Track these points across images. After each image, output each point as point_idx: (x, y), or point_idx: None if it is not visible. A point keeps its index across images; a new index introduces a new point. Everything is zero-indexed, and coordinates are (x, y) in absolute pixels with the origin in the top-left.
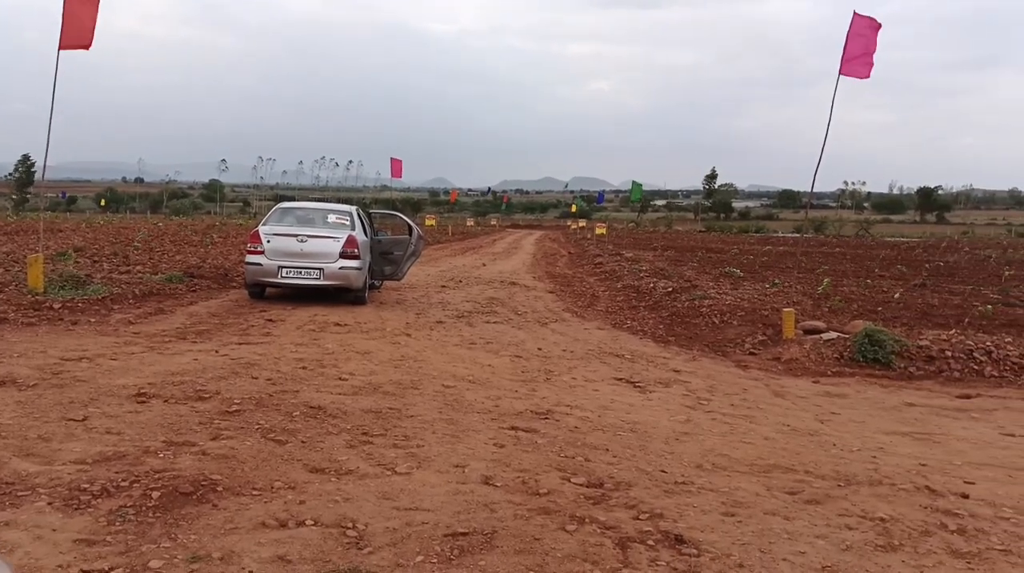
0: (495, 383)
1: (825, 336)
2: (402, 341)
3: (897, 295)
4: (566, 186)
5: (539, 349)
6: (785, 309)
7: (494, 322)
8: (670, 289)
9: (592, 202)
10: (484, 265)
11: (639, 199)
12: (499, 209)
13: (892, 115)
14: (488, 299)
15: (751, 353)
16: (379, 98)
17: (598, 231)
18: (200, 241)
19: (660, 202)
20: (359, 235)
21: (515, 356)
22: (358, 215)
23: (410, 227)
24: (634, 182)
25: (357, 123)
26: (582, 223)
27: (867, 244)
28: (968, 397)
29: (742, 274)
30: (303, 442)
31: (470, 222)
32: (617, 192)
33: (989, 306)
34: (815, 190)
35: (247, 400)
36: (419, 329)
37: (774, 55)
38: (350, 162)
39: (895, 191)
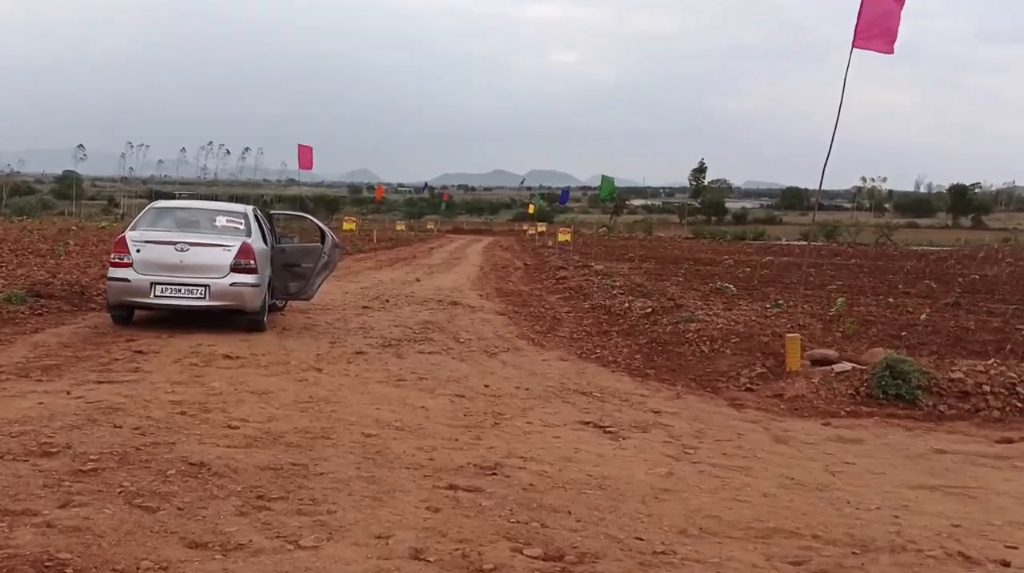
0: (430, 430)
1: (837, 367)
2: (311, 378)
3: (924, 317)
4: (522, 182)
5: (486, 386)
6: (789, 334)
7: (430, 352)
8: (649, 310)
9: (554, 202)
10: (418, 280)
11: (610, 198)
12: (438, 209)
13: (919, 96)
14: (422, 323)
15: (748, 389)
16: (284, 69)
17: (561, 238)
18: (50, 250)
19: (637, 202)
20: (256, 242)
21: (456, 395)
22: (255, 217)
23: (323, 232)
24: (604, 177)
25: (256, 100)
26: (542, 227)
27: (888, 254)
28: (1011, 441)
29: (737, 291)
30: (180, 509)
31: (401, 226)
32: (585, 189)
33: None
34: (826, 188)
35: (107, 455)
36: (333, 362)
37: (776, 20)
38: (246, 150)
39: (922, 189)
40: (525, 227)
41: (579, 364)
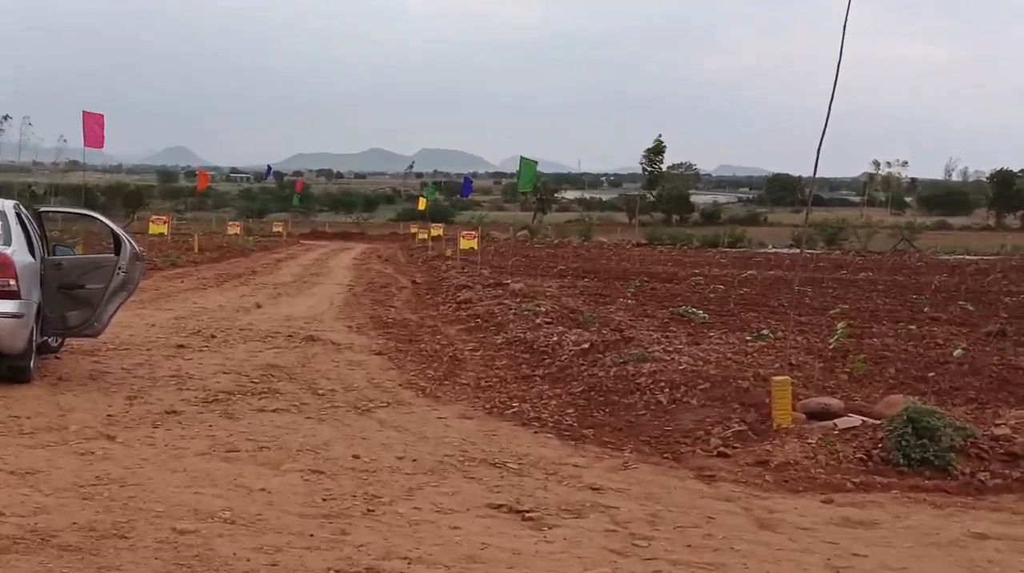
0: (273, 522)
1: (841, 423)
2: (99, 449)
3: (959, 352)
4: (410, 167)
5: (355, 457)
6: (776, 378)
7: (274, 410)
8: (587, 346)
9: (454, 194)
10: (259, 306)
11: (532, 189)
12: (289, 204)
13: (954, 52)
14: (264, 368)
15: (721, 454)
16: (67, 14)
17: (464, 244)
18: None
19: (571, 194)
20: (19, 254)
21: (311, 471)
22: (18, 217)
23: (117, 239)
24: (524, 160)
25: (20, 49)
26: (437, 230)
27: (910, 265)
28: None
29: (707, 318)
30: None
31: (235, 228)
32: (498, 177)
33: None
34: (827, 175)
35: None
36: (132, 426)
37: None
38: (5, 118)
39: (955, 177)
40: (414, 229)
41: (488, 423)
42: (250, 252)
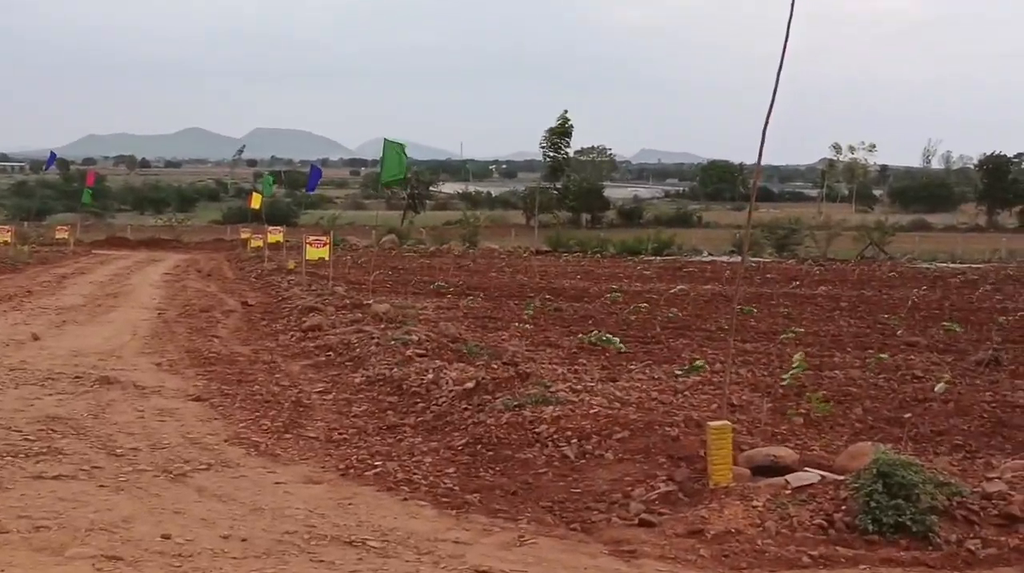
0: None
1: (796, 479)
2: None
3: (942, 386)
4: (239, 152)
5: (165, 537)
6: (713, 423)
7: (56, 476)
8: (472, 384)
9: (299, 187)
10: (37, 337)
11: (397, 180)
12: (77, 202)
13: (935, 7)
14: (43, 421)
15: (644, 522)
16: None
17: (312, 254)
18: None
19: (451, 188)
20: None
21: (106, 557)
22: None
23: None
24: (388, 144)
25: None
26: (277, 235)
27: (881, 276)
28: None
29: (626, 347)
30: None
31: (3, 234)
32: (355, 165)
33: None
34: (779, 163)
35: None
36: None
37: None
38: None
39: (935, 163)
40: (245, 234)
41: (343, 488)
42: (25, 266)
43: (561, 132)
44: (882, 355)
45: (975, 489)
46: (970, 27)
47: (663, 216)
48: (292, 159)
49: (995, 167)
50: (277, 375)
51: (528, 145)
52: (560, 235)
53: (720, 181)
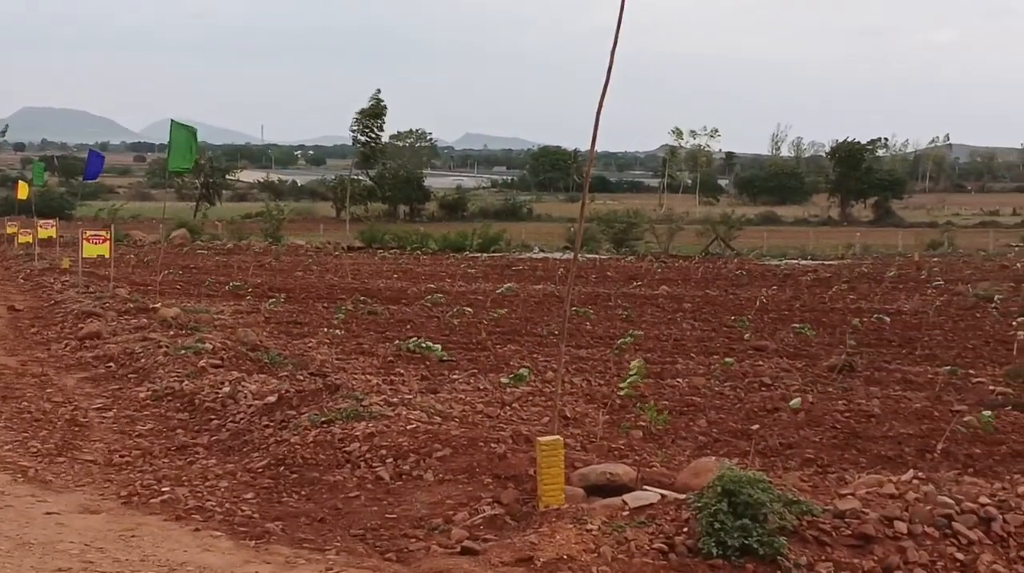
0: None
1: (635, 499)
2: None
3: (796, 402)
4: (2, 134)
5: None
6: (544, 438)
7: None
8: (274, 398)
9: (76, 175)
10: None
11: (187, 167)
12: None
13: None
14: None
15: (467, 550)
16: None
17: (90, 251)
18: None
19: (251, 176)
20: None
21: None
22: None
23: None
24: (175, 126)
25: None
26: (49, 230)
27: (727, 274)
28: None
29: (447, 354)
30: None
31: None
32: (140, 149)
33: (987, 411)
34: (615, 150)
35: None
36: None
37: None
38: None
39: (784, 151)
40: (12, 228)
41: (125, 518)
42: None
43: (374, 114)
44: (728, 361)
45: (827, 507)
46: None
47: (490, 208)
48: (67, 143)
49: (848, 155)
50: (49, 390)
51: (337, 128)
52: (375, 230)
53: (552, 169)
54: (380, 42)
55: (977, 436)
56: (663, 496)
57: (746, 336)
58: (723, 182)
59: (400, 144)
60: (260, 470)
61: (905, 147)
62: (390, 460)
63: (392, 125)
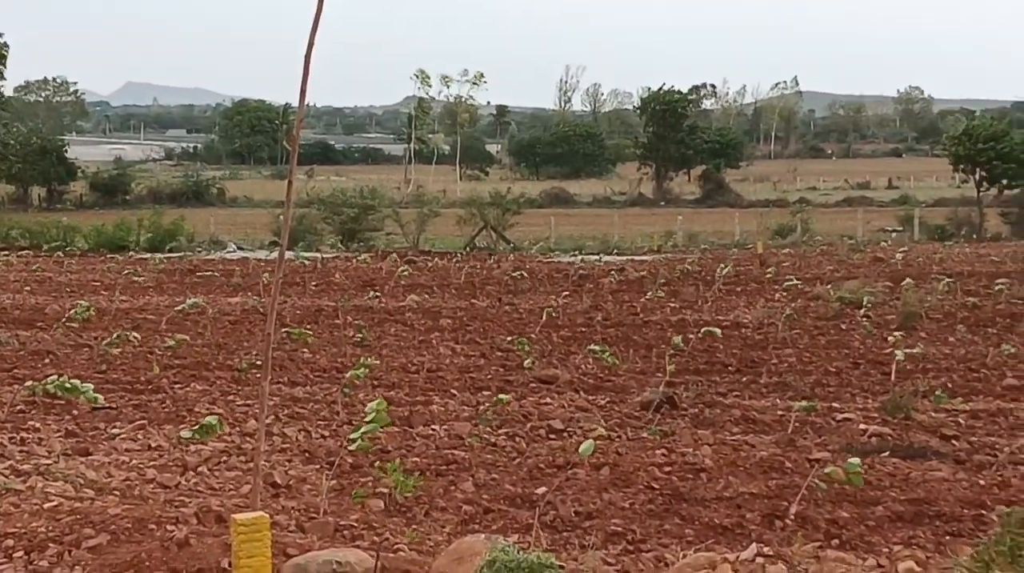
0: None
1: None
2: None
3: (588, 446)
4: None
5: None
6: (241, 516)
7: None
8: None
9: None
10: None
11: None
12: None
13: None
14: None
15: None
16: None
17: None
18: None
19: None
20: None
21: None
22: None
23: None
24: None
25: None
26: None
27: (500, 276)
28: None
29: (102, 397)
30: None
31: None
32: None
33: (855, 459)
34: (341, 104)
35: None
36: None
37: None
38: None
39: (576, 104)
40: None
41: None
42: None
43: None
44: (503, 398)
45: None
46: None
47: (164, 189)
48: None
49: (664, 109)
50: None
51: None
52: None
53: (253, 132)
54: None
55: (844, 494)
56: None
57: (527, 363)
58: (493, 148)
59: (31, 99)
60: None
61: (741, 97)
62: (19, 554)
63: (19, 73)
